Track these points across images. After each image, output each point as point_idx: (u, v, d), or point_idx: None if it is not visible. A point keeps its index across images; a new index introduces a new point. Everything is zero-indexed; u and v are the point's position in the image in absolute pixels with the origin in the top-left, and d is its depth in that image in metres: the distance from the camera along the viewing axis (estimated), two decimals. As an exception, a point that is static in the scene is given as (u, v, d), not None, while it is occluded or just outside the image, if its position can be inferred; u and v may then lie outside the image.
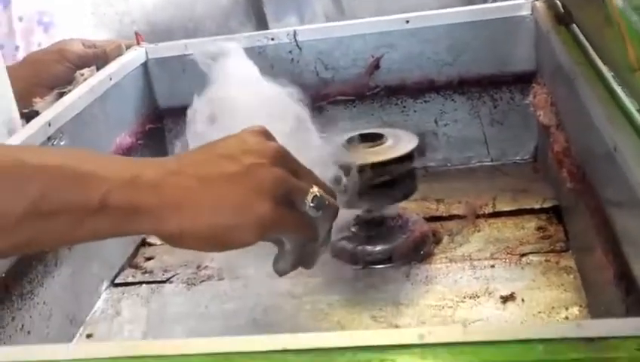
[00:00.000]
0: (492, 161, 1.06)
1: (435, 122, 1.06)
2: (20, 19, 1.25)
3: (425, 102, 1.05)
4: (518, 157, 1.06)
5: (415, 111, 1.06)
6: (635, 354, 0.36)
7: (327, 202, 0.61)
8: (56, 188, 0.54)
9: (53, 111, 0.85)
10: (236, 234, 0.56)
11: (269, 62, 1.06)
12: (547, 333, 0.37)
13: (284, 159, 0.61)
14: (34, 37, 1.26)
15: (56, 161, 0.56)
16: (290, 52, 1.06)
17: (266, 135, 0.62)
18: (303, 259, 0.63)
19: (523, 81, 1.01)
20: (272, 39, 1.06)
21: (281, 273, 0.62)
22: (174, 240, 0.57)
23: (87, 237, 0.57)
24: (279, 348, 0.40)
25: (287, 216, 0.58)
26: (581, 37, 0.79)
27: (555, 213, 0.90)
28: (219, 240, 0.57)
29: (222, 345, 0.42)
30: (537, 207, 0.92)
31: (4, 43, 1.24)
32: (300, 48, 1.05)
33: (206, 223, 0.56)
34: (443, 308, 0.76)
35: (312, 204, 0.60)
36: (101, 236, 0.58)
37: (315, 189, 0.60)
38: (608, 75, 0.68)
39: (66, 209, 0.54)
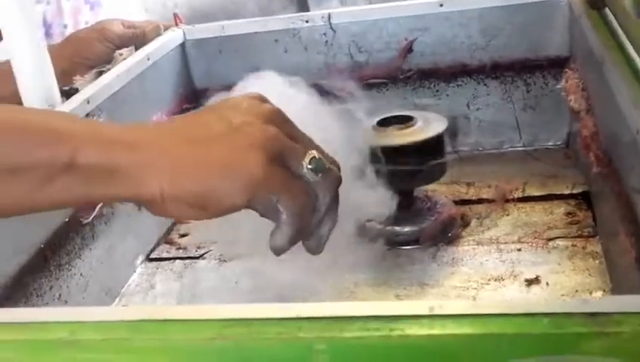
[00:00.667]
0: (524, 146, 1.06)
1: (468, 106, 1.06)
2: None
3: (457, 86, 1.06)
4: (550, 143, 1.06)
5: (447, 94, 1.06)
6: (637, 330, 0.36)
7: (327, 166, 0.55)
8: (17, 143, 0.50)
9: (92, 89, 0.87)
10: (223, 194, 0.51)
11: (303, 45, 1.07)
12: (552, 307, 0.38)
13: (279, 120, 0.56)
14: (81, 16, 1.29)
15: (20, 116, 0.52)
16: (325, 34, 1.07)
17: (262, 98, 0.58)
18: (306, 239, 0.57)
19: (557, 65, 1.01)
20: (307, 21, 1.07)
21: (277, 249, 0.56)
22: (156, 205, 0.52)
23: (55, 200, 0.51)
24: (293, 315, 0.42)
25: (280, 174, 0.53)
26: (613, 21, 0.79)
27: (585, 199, 0.90)
28: (204, 204, 0.51)
29: (240, 311, 0.43)
30: (567, 192, 0.92)
31: (53, 21, 1.27)
32: (334, 31, 1.06)
33: (189, 184, 0.51)
34: (467, 289, 0.77)
35: (309, 166, 0.54)
36: (72, 200, 0.53)
37: (314, 152, 0.55)
38: (638, 59, 0.68)
39: (30, 166, 0.50)
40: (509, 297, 0.74)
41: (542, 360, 0.37)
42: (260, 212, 0.54)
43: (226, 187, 0.51)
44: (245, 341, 0.42)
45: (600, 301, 0.38)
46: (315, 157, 0.55)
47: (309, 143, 0.57)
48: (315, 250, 0.59)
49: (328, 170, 0.56)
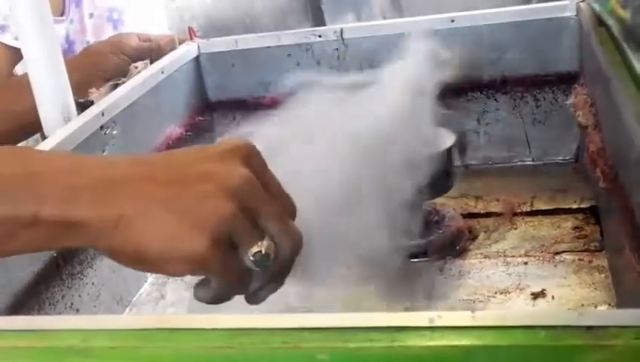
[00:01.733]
0: (533, 160, 1.07)
1: (477, 121, 1.07)
2: (91, 15, 1.30)
3: (467, 100, 1.07)
4: (559, 158, 1.06)
5: (457, 109, 1.07)
6: (631, 343, 0.37)
7: (271, 259, 0.52)
8: None
9: (107, 102, 0.89)
10: (163, 264, 0.51)
11: (316, 59, 1.08)
12: (550, 320, 0.39)
13: (246, 193, 0.52)
14: (104, 34, 1.30)
15: None
16: (337, 49, 1.08)
17: (245, 156, 0.54)
18: (244, 294, 0.55)
19: (566, 81, 1.02)
20: (320, 36, 1.08)
21: (199, 299, 0.54)
22: (108, 256, 0.53)
23: (21, 249, 0.53)
24: (296, 326, 0.43)
25: (220, 261, 0.51)
26: (621, 38, 0.79)
27: (593, 214, 0.91)
28: (147, 267, 0.53)
29: (245, 321, 0.44)
30: (575, 206, 0.93)
31: (76, 39, 1.28)
32: (346, 46, 1.08)
33: (135, 247, 0.51)
34: (474, 302, 0.78)
35: (252, 258, 0.52)
36: (37, 248, 0.55)
37: (264, 243, 0.52)
38: (644, 76, 0.69)
39: None
40: (513, 310, 0.74)
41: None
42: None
43: (167, 257, 0.51)
44: (250, 350, 0.43)
45: (596, 314, 0.39)
46: (260, 251, 0.52)
47: (273, 223, 0.53)
48: (251, 303, 0.57)
49: (275, 263, 0.53)
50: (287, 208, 0.55)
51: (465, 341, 0.40)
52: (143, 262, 0.52)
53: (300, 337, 0.42)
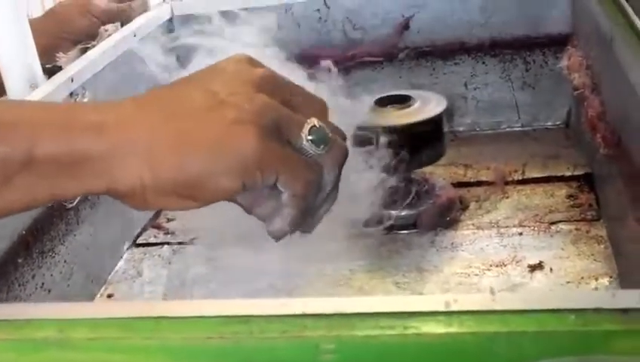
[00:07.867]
0: (522, 126, 1.04)
1: (465, 85, 1.03)
2: None
3: (455, 64, 1.02)
4: (549, 123, 1.03)
5: (444, 73, 1.03)
6: (674, 328, 0.34)
7: (329, 136, 0.47)
8: None
9: (76, 67, 0.84)
10: (213, 180, 0.44)
11: (296, 21, 1.03)
12: (580, 303, 0.36)
13: (272, 85, 0.47)
14: None
15: None
16: (318, 10, 1.03)
17: (250, 61, 0.49)
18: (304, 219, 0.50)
19: (557, 43, 0.98)
20: (300, -4, 1.03)
21: (277, 233, 0.49)
22: (136, 197, 0.45)
23: (15, 203, 0.45)
24: (298, 312, 0.38)
25: (277, 150, 0.45)
26: (621, -2, 0.76)
27: (587, 181, 0.88)
28: (192, 192, 0.44)
29: (239, 308, 0.40)
30: (568, 174, 0.90)
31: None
32: (328, 7, 1.03)
33: (172, 171, 0.43)
34: (469, 275, 0.75)
35: (309, 137, 0.47)
36: (36, 201, 0.46)
37: (313, 120, 0.47)
38: (648, 36, 0.65)
39: None
40: (513, 284, 0.71)
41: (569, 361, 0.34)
42: (247, 207, 0.48)
43: (216, 171, 0.44)
44: (246, 340, 0.39)
45: (632, 295, 0.35)
46: (315, 126, 0.47)
47: (311, 109, 0.48)
48: (308, 229, 0.52)
49: (333, 141, 0.48)
50: (321, 108, 0.50)
51: (486, 327, 0.36)
52: (186, 190, 0.44)
53: (301, 325, 0.38)
